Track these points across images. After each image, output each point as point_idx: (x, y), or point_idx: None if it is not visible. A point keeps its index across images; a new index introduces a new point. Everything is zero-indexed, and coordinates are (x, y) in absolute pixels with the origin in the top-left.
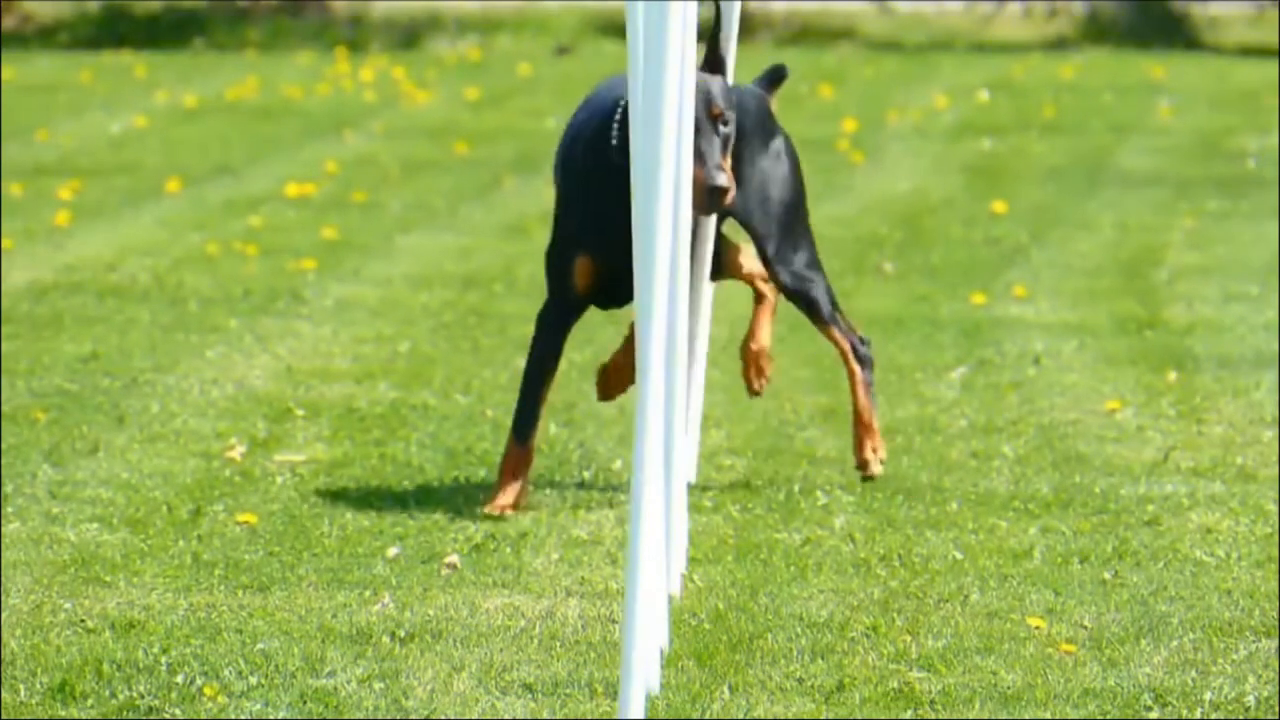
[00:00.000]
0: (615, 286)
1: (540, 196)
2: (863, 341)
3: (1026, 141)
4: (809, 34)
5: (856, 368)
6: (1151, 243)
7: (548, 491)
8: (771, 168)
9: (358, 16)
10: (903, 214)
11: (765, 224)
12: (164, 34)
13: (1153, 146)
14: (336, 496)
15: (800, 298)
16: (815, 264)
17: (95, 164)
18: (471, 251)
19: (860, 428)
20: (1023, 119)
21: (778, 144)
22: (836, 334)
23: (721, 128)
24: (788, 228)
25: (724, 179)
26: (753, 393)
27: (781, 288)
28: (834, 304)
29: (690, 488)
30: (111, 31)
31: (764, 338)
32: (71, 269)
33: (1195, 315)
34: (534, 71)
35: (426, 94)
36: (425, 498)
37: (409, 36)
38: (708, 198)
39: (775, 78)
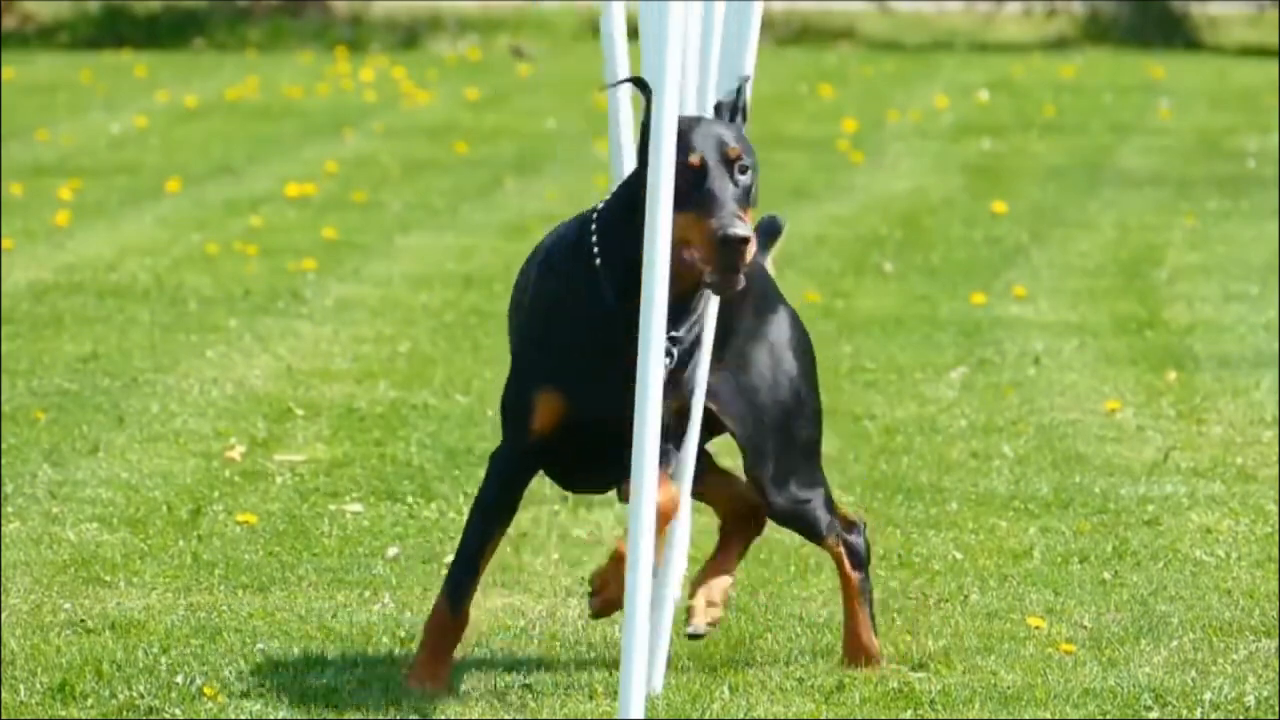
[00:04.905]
0: (589, 445)
1: (540, 196)
2: (854, 528)
3: (1026, 141)
4: (809, 34)
5: (852, 574)
6: (1151, 243)
7: (548, 491)
8: (768, 355)
9: (358, 16)
10: (903, 214)
11: (754, 432)
12: (164, 34)
13: (1153, 146)
14: (336, 496)
15: (795, 524)
16: (815, 480)
17: (95, 164)
18: (471, 251)
19: (853, 645)
20: (1023, 119)
21: (780, 322)
22: (831, 542)
23: (739, 176)
24: (786, 439)
25: (743, 227)
26: (691, 631)
27: (772, 513)
28: (831, 510)
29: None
30: (111, 31)
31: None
32: (71, 269)
33: (1195, 315)
34: (534, 71)
35: (426, 94)
36: (425, 498)
37: (409, 36)
38: (723, 252)
39: (771, 231)
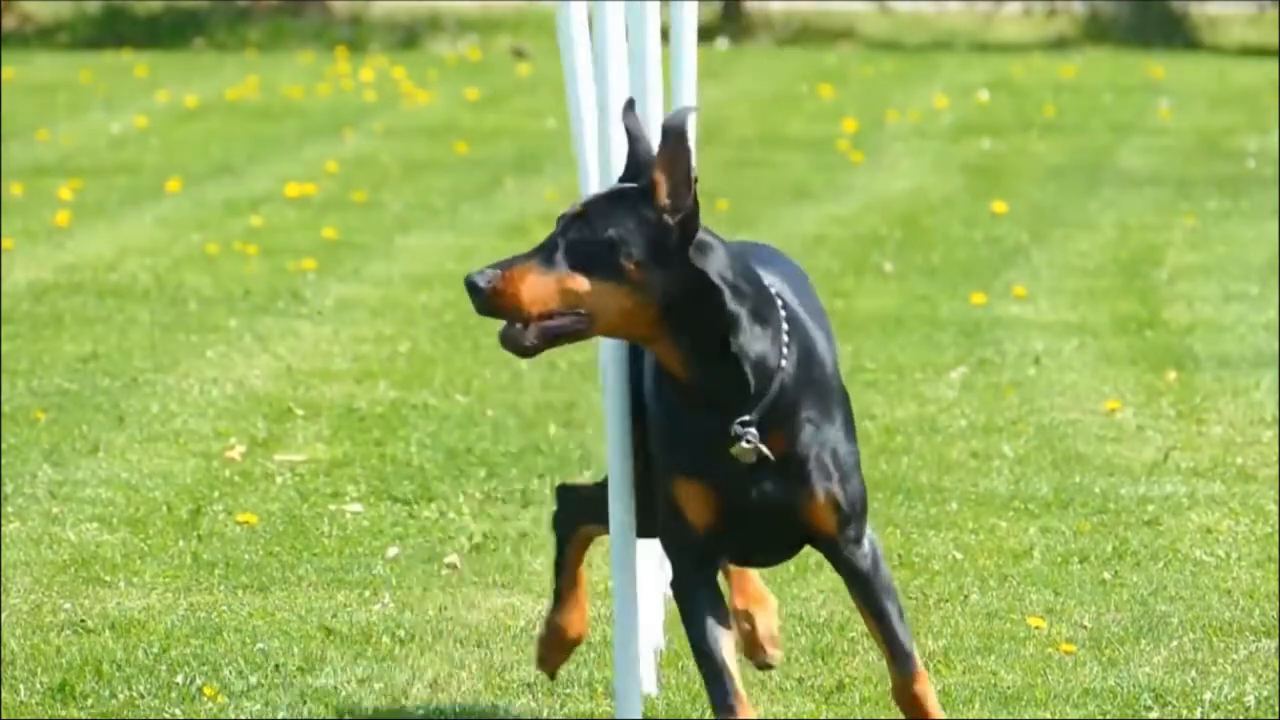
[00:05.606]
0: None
1: (540, 196)
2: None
3: (1026, 141)
4: (809, 34)
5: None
6: (1151, 243)
7: (547, 491)
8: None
9: (358, 16)
10: (903, 214)
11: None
12: (164, 34)
13: (1153, 146)
14: (336, 496)
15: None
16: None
17: (95, 164)
18: (471, 251)
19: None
20: (1023, 119)
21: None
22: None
23: (570, 235)
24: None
25: (480, 277)
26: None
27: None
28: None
29: None
30: (111, 31)
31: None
32: (71, 269)
33: (1195, 315)
34: (534, 71)
35: (426, 94)
36: (425, 498)
37: (409, 36)
38: (469, 295)
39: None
